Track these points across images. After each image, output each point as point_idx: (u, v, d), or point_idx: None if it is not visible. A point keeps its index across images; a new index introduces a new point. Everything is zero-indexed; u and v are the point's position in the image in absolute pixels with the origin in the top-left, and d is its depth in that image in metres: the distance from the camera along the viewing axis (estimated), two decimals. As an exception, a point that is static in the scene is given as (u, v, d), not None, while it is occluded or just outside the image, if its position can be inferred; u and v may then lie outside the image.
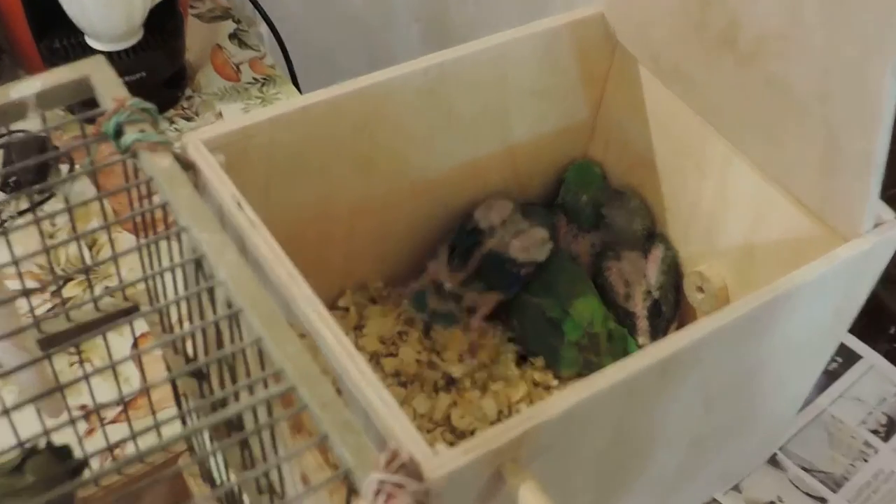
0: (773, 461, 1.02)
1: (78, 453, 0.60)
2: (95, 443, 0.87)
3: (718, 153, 0.84)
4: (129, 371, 0.94)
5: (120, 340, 0.94)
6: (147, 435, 0.57)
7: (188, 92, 1.29)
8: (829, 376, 1.09)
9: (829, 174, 0.72)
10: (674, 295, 0.94)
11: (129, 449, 0.82)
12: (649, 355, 0.62)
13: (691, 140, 0.87)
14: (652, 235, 0.96)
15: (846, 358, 1.12)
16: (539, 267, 0.93)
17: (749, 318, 0.67)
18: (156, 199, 0.59)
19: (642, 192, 0.96)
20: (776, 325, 0.72)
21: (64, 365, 0.95)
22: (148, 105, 0.60)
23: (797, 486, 1.00)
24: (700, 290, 0.91)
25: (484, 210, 0.93)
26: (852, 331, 1.10)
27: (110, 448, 0.55)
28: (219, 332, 0.57)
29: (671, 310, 0.94)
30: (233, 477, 0.67)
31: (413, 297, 0.94)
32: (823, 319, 0.79)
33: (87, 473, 0.57)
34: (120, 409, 0.92)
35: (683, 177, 0.91)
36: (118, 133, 0.58)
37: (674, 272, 0.95)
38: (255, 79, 1.33)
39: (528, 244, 0.92)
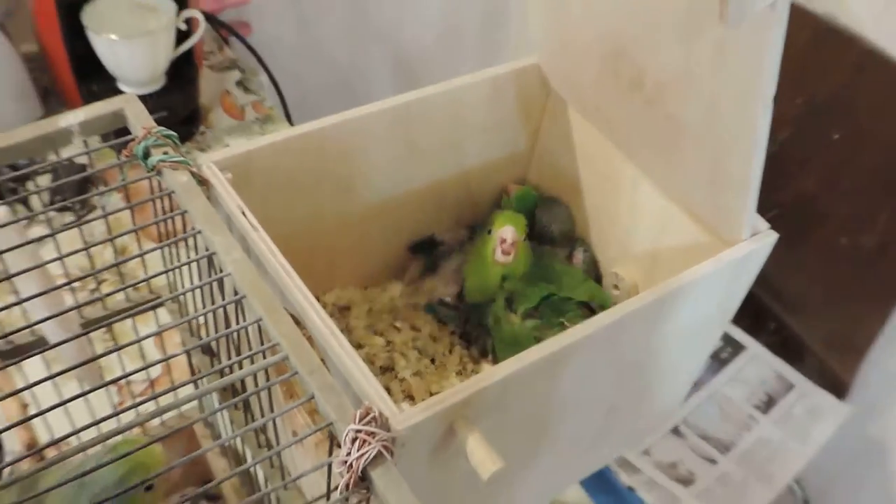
0: (676, 431, 1.00)
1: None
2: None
3: (629, 176, 0.81)
4: (154, 356, 0.91)
5: (145, 330, 0.92)
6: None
7: (201, 129, 1.27)
8: (721, 363, 1.08)
9: (715, 192, 0.69)
10: None
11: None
12: (569, 336, 0.60)
13: (609, 166, 0.83)
14: (574, 240, 0.90)
15: (735, 348, 1.10)
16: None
17: (651, 307, 0.65)
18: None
19: (570, 209, 0.91)
20: (673, 314, 0.69)
21: (100, 348, 0.92)
22: (170, 132, 0.59)
23: (695, 451, 0.98)
24: (616, 287, 0.85)
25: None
26: (740, 325, 1.11)
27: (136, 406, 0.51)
28: (226, 315, 0.56)
29: None
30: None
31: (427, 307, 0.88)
32: (710, 311, 0.76)
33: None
34: (146, 384, 0.91)
35: (602, 196, 0.86)
36: (146, 155, 0.58)
37: (593, 271, 0.89)
38: (256, 118, 1.30)
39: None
